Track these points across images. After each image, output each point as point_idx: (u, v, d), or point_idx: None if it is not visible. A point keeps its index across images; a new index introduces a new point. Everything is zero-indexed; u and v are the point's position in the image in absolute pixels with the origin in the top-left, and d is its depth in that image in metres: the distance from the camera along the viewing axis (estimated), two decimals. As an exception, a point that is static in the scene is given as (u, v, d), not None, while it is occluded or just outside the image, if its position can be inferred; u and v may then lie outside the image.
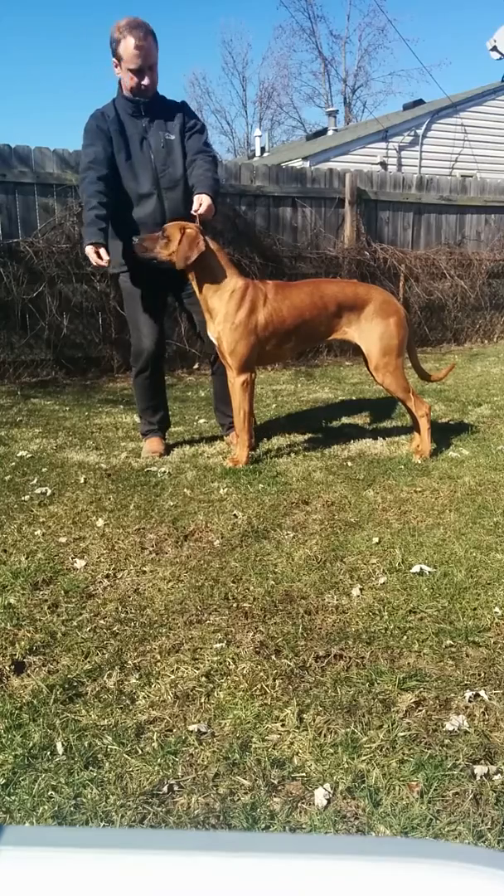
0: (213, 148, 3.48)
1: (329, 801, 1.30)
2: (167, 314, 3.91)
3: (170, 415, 3.79)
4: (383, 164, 14.10)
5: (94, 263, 3.08)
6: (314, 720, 1.52)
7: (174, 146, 3.30)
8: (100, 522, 2.65)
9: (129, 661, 1.76)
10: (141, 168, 3.27)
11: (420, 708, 1.57)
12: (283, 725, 1.51)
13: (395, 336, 3.32)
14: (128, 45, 3.12)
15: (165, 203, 3.31)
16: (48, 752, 1.43)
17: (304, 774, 1.37)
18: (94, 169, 3.16)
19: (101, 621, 1.96)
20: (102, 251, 3.06)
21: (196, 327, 3.62)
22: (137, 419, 3.85)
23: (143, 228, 3.24)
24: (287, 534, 2.54)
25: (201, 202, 3.20)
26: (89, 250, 3.06)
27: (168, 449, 3.61)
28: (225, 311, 3.16)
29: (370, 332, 3.33)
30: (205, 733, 1.49)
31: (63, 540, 2.51)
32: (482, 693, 1.61)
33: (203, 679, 1.68)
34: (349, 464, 3.37)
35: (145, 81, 3.20)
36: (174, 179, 3.31)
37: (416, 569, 2.23)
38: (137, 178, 3.27)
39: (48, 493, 2.97)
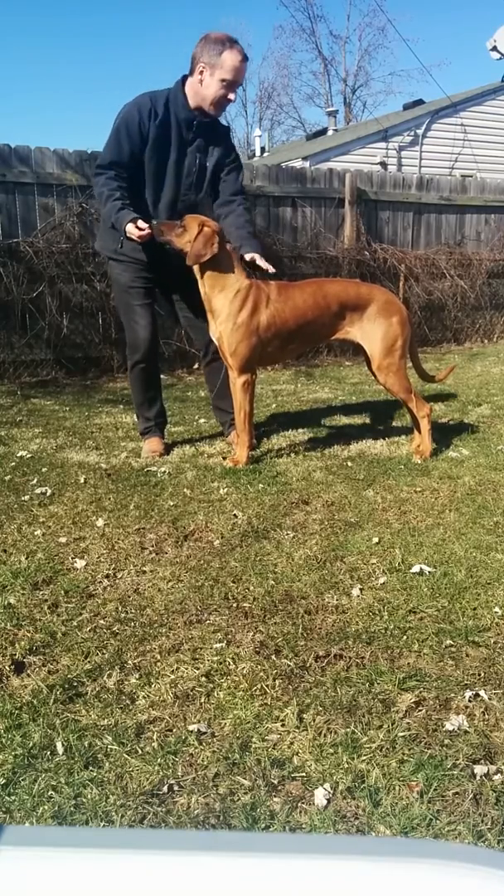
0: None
1: (329, 801, 1.30)
2: (157, 318, 3.92)
3: (169, 415, 3.79)
4: (383, 164, 14.09)
5: (137, 237, 3.06)
6: (314, 720, 1.52)
7: (206, 173, 3.30)
8: (100, 522, 2.65)
9: (129, 661, 1.76)
10: (167, 183, 3.25)
11: (420, 708, 1.57)
12: (283, 725, 1.51)
13: (398, 336, 3.32)
14: (234, 57, 3.08)
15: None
16: (48, 752, 1.43)
17: (304, 774, 1.37)
18: (115, 170, 3.13)
19: (101, 621, 1.96)
20: (140, 222, 3.04)
21: (181, 325, 3.68)
22: (136, 419, 3.85)
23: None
24: (287, 534, 2.54)
25: (254, 259, 3.25)
26: (130, 227, 3.03)
27: (168, 449, 3.61)
28: (228, 312, 3.16)
29: (373, 331, 3.33)
30: (205, 733, 1.49)
31: (63, 540, 2.51)
32: (482, 693, 1.61)
33: (203, 679, 1.68)
34: (349, 464, 3.37)
35: (232, 97, 3.19)
36: (191, 204, 3.30)
37: (416, 569, 2.23)
38: (159, 190, 3.25)
39: (48, 493, 2.97)
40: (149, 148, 3.15)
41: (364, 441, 3.75)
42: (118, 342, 5.76)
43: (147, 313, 3.45)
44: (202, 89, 3.13)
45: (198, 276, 3.20)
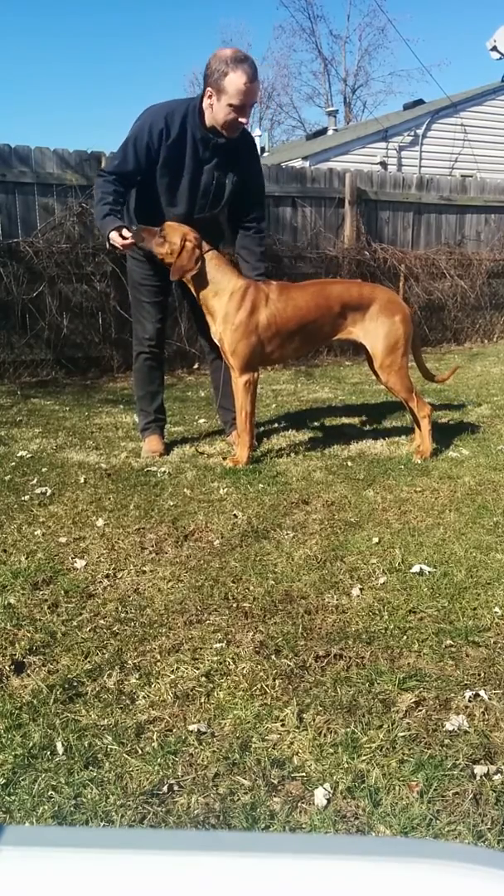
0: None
1: (329, 800, 1.30)
2: (167, 314, 3.94)
3: (169, 415, 3.80)
4: (383, 164, 14.09)
5: (121, 245, 3.05)
6: (314, 720, 1.52)
7: (225, 190, 3.28)
8: (100, 522, 2.65)
9: (129, 661, 1.76)
10: (180, 199, 3.24)
11: (420, 708, 1.57)
12: (283, 725, 1.51)
13: (401, 334, 3.32)
14: (236, 80, 2.95)
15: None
16: (48, 752, 1.43)
17: (304, 774, 1.37)
18: (117, 179, 3.11)
19: (101, 621, 1.96)
20: (125, 231, 3.04)
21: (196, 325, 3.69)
22: (136, 418, 3.85)
23: None
24: (287, 534, 2.54)
25: None
26: (114, 235, 3.02)
27: (168, 449, 3.61)
28: (225, 313, 3.16)
29: (375, 330, 3.32)
30: (205, 733, 1.49)
31: (63, 540, 2.51)
32: (482, 693, 1.61)
33: (203, 679, 1.68)
34: (349, 464, 3.37)
35: (243, 119, 3.08)
36: (207, 219, 3.29)
37: (416, 569, 2.23)
38: (173, 205, 3.25)
39: (48, 493, 2.97)
40: (160, 166, 3.13)
41: (364, 441, 3.75)
42: (118, 342, 5.76)
43: (156, 310, 3.50)
44: (213, 113, 3.07)
45: (189, 284, 3.21)
